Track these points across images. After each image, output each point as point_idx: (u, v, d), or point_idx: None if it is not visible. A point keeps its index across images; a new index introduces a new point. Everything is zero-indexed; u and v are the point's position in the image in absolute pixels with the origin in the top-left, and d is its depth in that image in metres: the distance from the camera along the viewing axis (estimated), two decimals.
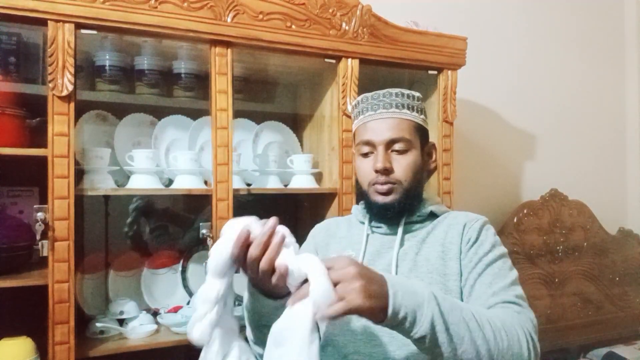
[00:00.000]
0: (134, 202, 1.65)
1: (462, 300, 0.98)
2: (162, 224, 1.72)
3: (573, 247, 2.35)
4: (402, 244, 1.06)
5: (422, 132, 1.10)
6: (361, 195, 1.11)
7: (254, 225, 0.80)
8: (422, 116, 1.10)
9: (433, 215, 1.10)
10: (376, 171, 1.04)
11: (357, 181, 1.13)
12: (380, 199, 1.05)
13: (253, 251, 0.79)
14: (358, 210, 1.16)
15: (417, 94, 1.08)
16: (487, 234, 1.04)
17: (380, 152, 1.04)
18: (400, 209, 1.05)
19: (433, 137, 1.73)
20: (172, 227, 1.74)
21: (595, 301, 2.38)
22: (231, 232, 0.80)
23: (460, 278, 1.00)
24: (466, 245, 1.01)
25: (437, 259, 1.01)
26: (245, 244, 0.79)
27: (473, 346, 0.78)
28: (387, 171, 1.03)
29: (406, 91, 1.07)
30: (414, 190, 1.06)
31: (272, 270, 0.78)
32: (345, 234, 1.15)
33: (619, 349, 2.26)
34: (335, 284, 0.72)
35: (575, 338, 2.30)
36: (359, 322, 0.99)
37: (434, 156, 1.14)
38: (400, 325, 0.75)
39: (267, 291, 0.85)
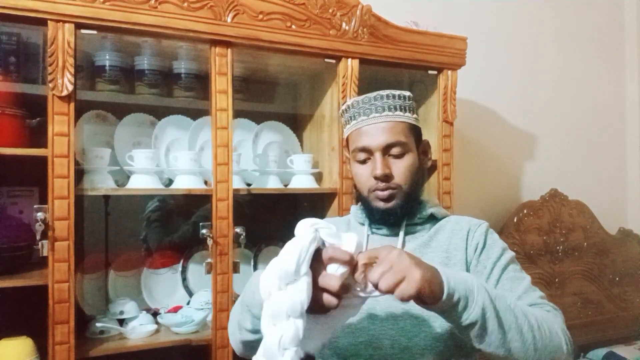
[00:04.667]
0: (150, 209, 1.66)
1: None
2: (162, 224, 1.72)
3: (573, 247, 2.35)
4: (403, 246, 1.06)
5: (416, 131, 1.08)
6: (361, 201, 1.10)
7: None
8: (415, 115, 1.08)
9: (433, 218, 1.10)
10: (376, 178, 1.03)
11: (355, 187, 1.13)
12: (382, 205, 1.04)
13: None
14: (357, 212, 1.15)
15: (407, 94, 1.07)
16: (493, 237, 1.05)
17: (378, 158, 1.02)
18: (402, 213, 1.05)
19: (433, 137, 1.74)
20: (172, 227, 1.74)
21: (595, 301, 2.38)
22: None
23: None
24: (475, 252, 1.02)
25: (440, 265, 1.01)
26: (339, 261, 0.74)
27: (519, 334, 0.80)
28: (386, 177, 1.02)
29: (397, 92, 1.06)
30: (413, 192, 1.06)
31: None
32: None
33: (619, 349, 2.26)
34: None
35: (575, 338, 2.27)
36: (360, 325, 0.99)
37: (429, 154, 1.14)
38: (452, 309, 0.76)
39: None
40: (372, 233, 1.10)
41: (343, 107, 1.11)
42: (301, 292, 0.71)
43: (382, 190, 1.03)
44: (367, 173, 1.05)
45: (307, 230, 0.76)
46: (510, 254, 1.04)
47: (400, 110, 1.05)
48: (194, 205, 1.71)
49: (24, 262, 1.33)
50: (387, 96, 1.05)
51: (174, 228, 1.74)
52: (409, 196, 1.05)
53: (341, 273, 0.74)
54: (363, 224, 1.12)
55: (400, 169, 1.04)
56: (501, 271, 0.99)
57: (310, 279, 0.73)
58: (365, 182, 1.06)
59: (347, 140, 1.12)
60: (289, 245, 0.74)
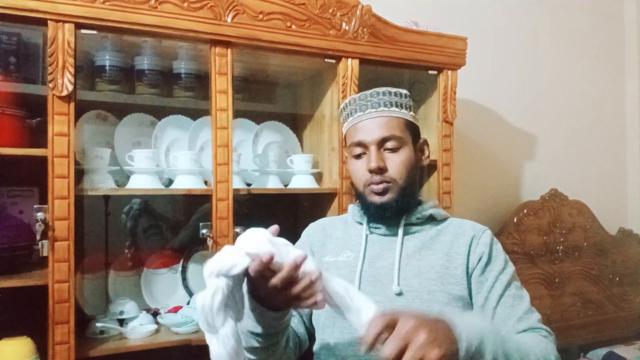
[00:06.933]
0: (127, 210, 1.65)
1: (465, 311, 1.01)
2: (156, 223, 1.72)
3: (573, 247, 2.35)
4: (402, 246, 1.06)
5: (412, 128, 1.09)
6: (358, 197, 1.11)
7: (276, 248, 0.78)
8: (411, 113, 1.09)
9: (432, 219, 1.10)
10: (370, 171, 1.03)
11: (352, 184, 1.13)
12: (377, 199, 1.04)
13: (278, 282, 0.77)
14: (355, 210, 1.15)
15: (404, 91, 1.08)
16: (497, 249, 1.06)
17: (373, 152, 1.03)
18: (398, 208, 1.05)
19: (433, 137, 1.74)
20: (171, 227, 1.74)
21: (595, 301, 2.38)
22: (250, 246, 0.77)
23: (468, 288, 1.01)
24: (479, 262, 1.03)
25: (441, 267, 1.02)
26: (266, 267, 0.77)
27: None
28: (381, 170, 1.03)
29: (393, 89, 1.07)
30: (409, 187, 1.06)
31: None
32: (342, 234, 1.15)
33: (619, 349, 2.26)
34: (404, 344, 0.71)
35: (575, 338, 2.30)
36: None
37: (426, 152, 1.14)
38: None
39: (268, 304, 0.85)
40: (371, 233, 1.10)
41: (341, 106, 1.12)
42: (220, 348, 0.77)
43: (377, 183, 1.03)
44: (362, 168, 1.06)
45: (207, 282, 0.77)
46: (512, 267, 1.05)
47: (397, 106, 1.06)
48: (192, 204, 1.70)
49: (24, 262, 1.33)
50: (384, 93, 1.06)
51: (172, 228, 1.74)
52: (404, 191, 1.05)
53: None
54: (361, 223, 1.12)
55: (396, 162, 1.04)
56: (504, 287, 1.00)
57: (230, 327, 0.77)
58: (361, 177, 1.06)
59: (345, 137, 1.13)
60: (196, 301, 0.77)
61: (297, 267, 0.77)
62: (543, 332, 0.97)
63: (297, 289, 0.78)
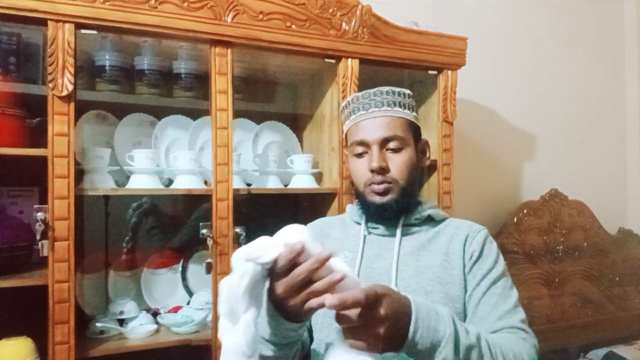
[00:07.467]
0: (135, 206, 1.64)
1: (464, 312, 1.00)
2: (160, 224, 1.72)
3: (573, 247, 2.35)
4: (400, 246, 1.05)
5: (414, 129, 1.09)
6: (357, 196, 1.10)
7: (310, 244, 0.76)
8: (414, 113, 1.09)
9: (431, 219, 1.10)
10: (372, 171, 1.03)
11: (351, 182, 1.12)
12: (378, 199, 1.04)
13: (303, 272, 0.75)
14: (353, 210, 1.14)
15: (407, 92, 1.07)
16: (491, 247, 1.05)
17: (375, 152, 1.03)
18: (398, 209, 1.05)
19: (433, 137, 1.74)
20: (171, 227, 1.74)
21: (595, 301, 2.38)
22: (283, 238, 0.76)
23: (465, 288, 1.01)
24: (470, 259, 1.02)
25: (439, 267, 1.02)
26: (295, 258, 0.75)
27: None
28: (382, 170, 1.02)
29: (397, 89, 1.06)
30: (410, 188, 1.06)
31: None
32: (340, 234, 1.14)
33: (619, 349, 2.26)
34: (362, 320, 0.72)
35: (575, 338, 2.30)
36: None
37: (427, 153, 1.14)
38: (413, 355, 0.77)
39: (286, 312, 0.83)
40: (369, 233, 1.10)
41: (343, 103, 1.12)
42: (239, 335, 0.73)
43: (378, 183, 1.03)
44: (363, 167, 1.05)
45: (236, 265, 0.76)
46: (501, 267, 1.03)
47: (400, 106, 1.05)
48: (192, 204, 1.70)
49: (24, 262, 1.33)
50: (387, 92, 1.05)
51: (171, 228, 1.74)
52: (405, 191, 1.04)
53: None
54: (359, 223, 1.12)
55: (397, 163, 1.04)
56: (489, 285, 0.99)
57: (252, 314, 0.75)
58: (362, 177, 1.06)
59: (346, 135, 1.13)
60: (222, 284, 0.75)
61: (324, 260, 0.74)
62: (522, 333, 0.94)
63: (318, 285, 0.74)
